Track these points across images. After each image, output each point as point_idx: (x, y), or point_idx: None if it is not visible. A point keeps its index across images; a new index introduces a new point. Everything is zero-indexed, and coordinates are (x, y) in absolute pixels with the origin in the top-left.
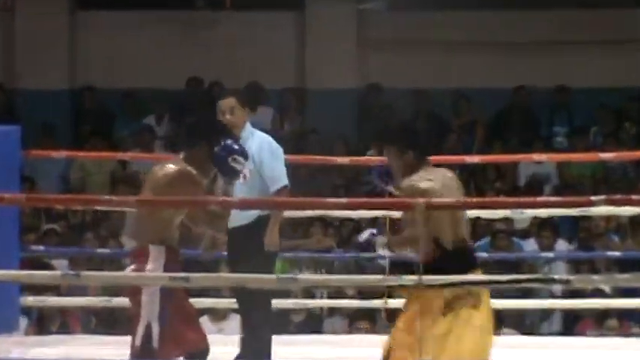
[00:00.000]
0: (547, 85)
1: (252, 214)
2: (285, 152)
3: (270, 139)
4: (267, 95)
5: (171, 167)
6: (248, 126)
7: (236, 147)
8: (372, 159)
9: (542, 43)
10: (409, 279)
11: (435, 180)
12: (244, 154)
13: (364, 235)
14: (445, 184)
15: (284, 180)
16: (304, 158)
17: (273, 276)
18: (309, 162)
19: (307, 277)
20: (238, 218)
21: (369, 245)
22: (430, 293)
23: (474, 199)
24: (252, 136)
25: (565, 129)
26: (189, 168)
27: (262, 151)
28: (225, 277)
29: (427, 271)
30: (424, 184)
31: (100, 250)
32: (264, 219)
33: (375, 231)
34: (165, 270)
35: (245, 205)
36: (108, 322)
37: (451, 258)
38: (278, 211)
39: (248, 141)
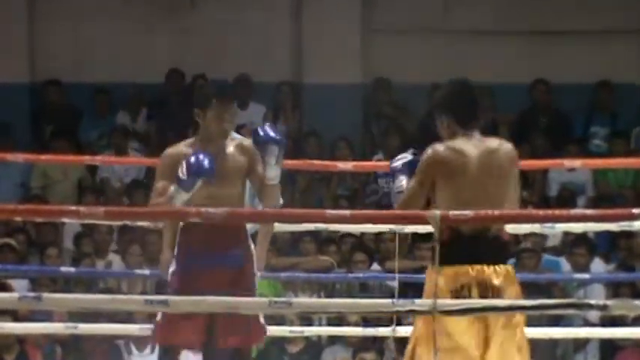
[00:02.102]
0: (583, 80)
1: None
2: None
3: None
4: (257, 91)
5: None
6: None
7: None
8: (379, 164)
9: (577, 32)
10: (422, 303)
11: (457, 149)
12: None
13: (398, 162)
14: (470, 155)
15: None
16: (301, 163)
17: (264, 300)
18: (306, 168)
19: (304, 300)
20: None
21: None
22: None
23: (496, 212)
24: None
25: (604, 130)
26: None
27: None
28: (210, 301)
29: (441, 254)
30: (432, 152)
31: (65, 269)
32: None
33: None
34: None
35: (233, 217)
36: (75, 353)
37: (466, 245)
38: (269, 226)
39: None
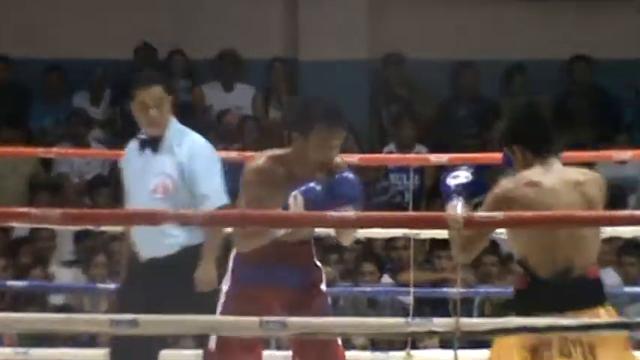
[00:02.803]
0: (631, 56)
1: (175, 242)
2: (272, 147)
3: (204, 142)
4: (245, 69)
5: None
6: (174, 123)
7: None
8: (390, 157)
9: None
10: (442, 323)
11: (531, 183)
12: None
13: (453, 179)
14: (550, 188)
15: (223, 197)
16: None
17: (254, 319)
18: None
19: (300, 320)
20: (155, 246)
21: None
22: (509, 339)
23: (527, 214)
24: (180, 138)
25: None
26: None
27: (194, 159)
28: (188, 320)
29: (517, 303)
30: (502, 188)
31: (13, 283)
32: (193, 249)
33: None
34: None
35: (214, 220)
36: None
37: (546, 291)
38: (214, 239)
39: (174, 145)
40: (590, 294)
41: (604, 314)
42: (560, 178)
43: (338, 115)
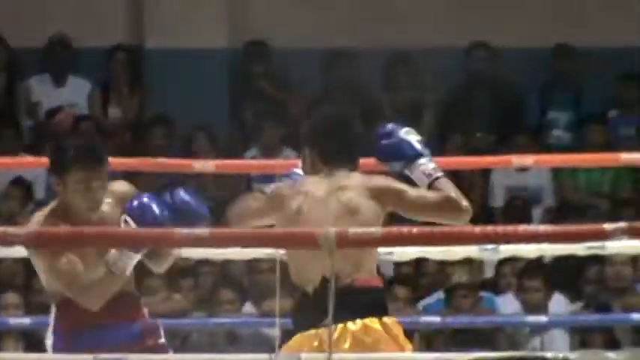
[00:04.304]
0: (539, 45)
1: None
2: (114, 152)
3: None
4: (79, 59)
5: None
6: None
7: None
8: (254, 164)
9: None
10: (312, 358)
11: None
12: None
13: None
14: (311, 200)
15: None
16: (143, 162)
17: (87, 357)
18: (151, 169)
19: (141, 357)
20: None
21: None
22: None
23: (414, 229)
24: None
25: (567, 115)
26: None
27: None
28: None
29: (295, 323)
30: (277, 188)
31: None
32: None
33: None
34: None
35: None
36: None
37: (310, 305)
38: None
39: None
40: (357, 303)
41: (382, 326)
42: (329, 187)
43: (94, 151)
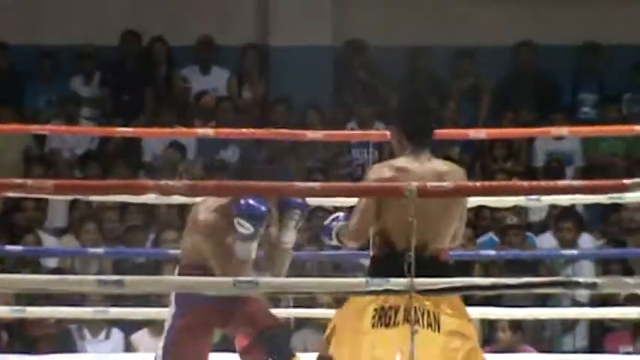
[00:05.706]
0: (571, 43)
1: None
2: (246, 125)
3: None
4: (220, 54)
5: None
6: None
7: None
8: (352, 133)
9: None
10: (398, 282)
11: (400, 169)
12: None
13: (329, 220)
14: (420, 176)
15: None
16: (268, 132)
17: (229, 279)
18: (274, 137)
19: (271, 280)
20: None
21: (329, 231)
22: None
23: (477, 183)
24: None
25: (593, 96)
26: None
27: None
28: (169, 280)
29: (373, 268)
30: (375, 174)
31: (10, 247)
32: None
33: (341, 215)
34: None
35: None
36: (23, 339)
37: (398, 262)
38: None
39: None
40: (438, 276)
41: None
42: (427, 167)
43: None
